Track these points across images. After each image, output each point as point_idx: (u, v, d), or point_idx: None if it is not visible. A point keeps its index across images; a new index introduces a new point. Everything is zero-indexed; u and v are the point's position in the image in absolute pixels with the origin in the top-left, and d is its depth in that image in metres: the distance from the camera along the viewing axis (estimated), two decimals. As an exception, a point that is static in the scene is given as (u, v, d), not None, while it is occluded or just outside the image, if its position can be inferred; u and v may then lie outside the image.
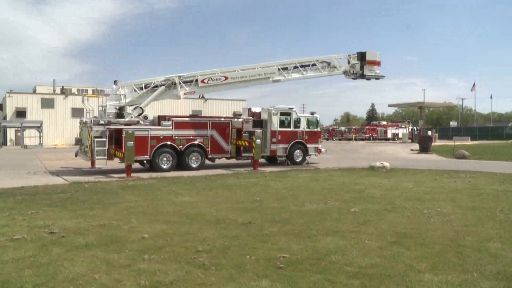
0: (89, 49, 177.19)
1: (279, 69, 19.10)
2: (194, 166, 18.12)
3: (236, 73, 18.82)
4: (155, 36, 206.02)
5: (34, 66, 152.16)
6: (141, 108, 17.97)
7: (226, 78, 18.55)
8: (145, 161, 17.77)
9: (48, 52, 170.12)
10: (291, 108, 21.27)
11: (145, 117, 18.36)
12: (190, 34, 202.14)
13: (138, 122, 17.88)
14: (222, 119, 20.47)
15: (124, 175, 15.70)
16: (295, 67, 19.41)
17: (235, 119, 19.88)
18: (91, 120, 18.25)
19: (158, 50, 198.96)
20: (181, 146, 17.85)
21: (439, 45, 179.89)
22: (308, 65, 19.67)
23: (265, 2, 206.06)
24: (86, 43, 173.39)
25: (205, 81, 18.45)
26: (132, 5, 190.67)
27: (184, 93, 18.34)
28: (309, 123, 21.62)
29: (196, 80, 18.44)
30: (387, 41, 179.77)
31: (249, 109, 21.71)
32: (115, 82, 18.43)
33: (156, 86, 18.20)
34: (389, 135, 62.61)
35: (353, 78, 20.53)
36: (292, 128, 20.92)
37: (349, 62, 20.47)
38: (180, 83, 18.19)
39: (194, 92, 18.78)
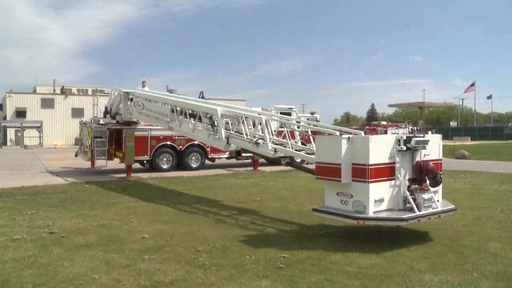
0: (102, 51, 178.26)
1: (173, 111, 11.71)
2: (194, 166, 18.11)
3: (148, 104, 13.23)
4: (170, 39, 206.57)
5: (47, 67, 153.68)
6: (108, 110, 16.93)
7: (143, 107, 13.49)
8: (145, 161, 17.76)
9: (61, 53, 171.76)
10: (291, 108, 21.25)
11: (113, 117, 16.68)
12: (206, 38, 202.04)
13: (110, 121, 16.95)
14: None
15: (124, 175, 15.70)
16: (185, 114, 11.36)
17: None
18: (91, 120, 18.25)
19: (171, 52, 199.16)
20: (181, 146, 17.84)
21: (445, 45, 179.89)
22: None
23: (286, 5, 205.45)
24: (100, 45, 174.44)
25: (135, 104, 13.99)
26: (149, 9, 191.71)
27: (129, 113, 14.68)
28: (309, 123, 21.60)
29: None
30: (393, 41, 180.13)
31: (249, 109, 21.67)
32: (143, 82, 17.99)
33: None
34: (389, 135, 62.54)
35: None
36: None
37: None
38: (129, 100, 14.55)
39: (132, 114, 14.59)
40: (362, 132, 7.47)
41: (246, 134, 9.15)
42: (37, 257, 5.78)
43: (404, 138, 6.43)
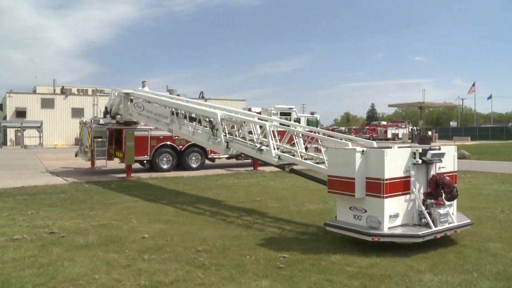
0: (102, 51, 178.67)
1: (173, 113, 11.77)
2: (194, 166, 18.11)
3: (148, 106, 13.22)
4: (170, 39, 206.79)
5: (47, 67, 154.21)
6: (109, 110, 16.87)
7: (143, 108, 13.42)
8: (145, 161, 17.76)
9: (61, 53, 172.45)
10: (291, 108, 21.31)
11: (113, 117, 16.60)
12: (206, 38, 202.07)
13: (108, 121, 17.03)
14: None
15: (124, 175, 15.70)
16: (185, 117, 11.56)
17: None
18: (91, 120, 18.24)
19: (171, 52, 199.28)
20: (181, 146, 17.84)
21: (445, 45, 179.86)
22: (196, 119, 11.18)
23: (286, 5, 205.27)
24: (100, 45, 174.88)
25: (135, 105, 13.96)
26: (149, 9, 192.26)
27: (129, 113, 14.51)
28: (309, 123, 21.65)
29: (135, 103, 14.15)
30: (393, 41, 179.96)
31: (249, 109, 21.70)
32: (143, 82, 17.96)
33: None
34: (389, 135, 62.65)
35: None
36: (292, 128, 20.88)
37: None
38: (130, 100, 14.36)
39: (132, 115, 14.47)
40: (374, 143, 7.38)
41: (251, 140, 9.08)
42: (37, 257, 5.79)
43: (420, 151, 6.17)
